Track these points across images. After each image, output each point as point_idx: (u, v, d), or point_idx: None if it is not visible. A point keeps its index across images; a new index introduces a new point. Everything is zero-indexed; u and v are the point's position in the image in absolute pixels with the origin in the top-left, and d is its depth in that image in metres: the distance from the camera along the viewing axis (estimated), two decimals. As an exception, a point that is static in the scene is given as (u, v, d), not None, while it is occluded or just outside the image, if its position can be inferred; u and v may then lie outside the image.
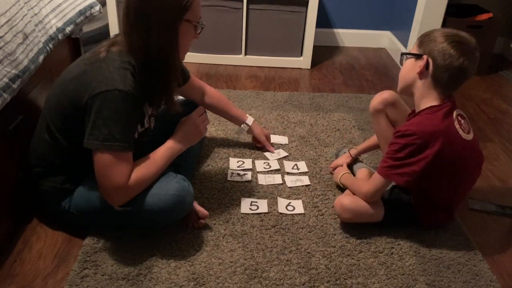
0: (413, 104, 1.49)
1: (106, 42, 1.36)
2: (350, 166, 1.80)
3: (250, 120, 1.92)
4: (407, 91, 1.49)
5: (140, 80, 1.29)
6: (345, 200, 1.52)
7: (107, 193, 1.30)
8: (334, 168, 1.80)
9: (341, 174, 1.70)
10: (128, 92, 1.24)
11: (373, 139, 1.79)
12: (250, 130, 1.93)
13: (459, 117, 1.44)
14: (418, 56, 1.42)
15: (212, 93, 1.85)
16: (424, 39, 1.42)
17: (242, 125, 1.91)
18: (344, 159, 1.82)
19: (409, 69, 1.45)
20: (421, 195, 1.51)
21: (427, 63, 1.39)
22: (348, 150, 1.85)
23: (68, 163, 1.39)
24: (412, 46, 2.86)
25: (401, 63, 1.50)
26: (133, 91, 1.25)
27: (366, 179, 1.63)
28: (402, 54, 1.49)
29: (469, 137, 1.45)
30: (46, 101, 1.41)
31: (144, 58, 1.30)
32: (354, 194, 1.54)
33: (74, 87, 1.29)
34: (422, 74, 1.41)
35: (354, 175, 1.75)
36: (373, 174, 1.49)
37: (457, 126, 1.42)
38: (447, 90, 1.41)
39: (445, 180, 1.45)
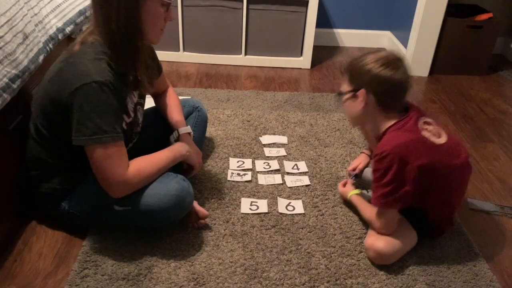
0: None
1: (80, 33, 1.34)
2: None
3: (183, 129, 1.58)
4: (360, 125, 1.51)
5: (115, 66, 1.28)
6: (379, 244, 1.39)
7: (107, 185, 1.29)
8: (353, 170, 1.73)
9: (350, 194, 1.61)
10: (105, 82, 1.22)
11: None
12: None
13: (425, 125, 1.40)
14: (353, 93, 1.38)
15: (171, 95, 1.69)
16: (352, 73, 1.40)
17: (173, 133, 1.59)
18: (363, 159, 1.75)
19: (352, 109, 1.42)
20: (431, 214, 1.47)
21: (366, 95, 1.36)
22: (361, 152, 1.80)
23: (63, 163, 1.39)
24: (412, 46, 2.88)
25: (341, 104, 1.46)
26: (111, 80, 1.24)
27: None
28: (338, 95, 1.44)
29: (442, 140, 1.40)
30: (33, 105, 1.41)
31: (112, 42, 1.28)
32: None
33: (54, 88, 1.29)
34: (366, 107, 1.38)
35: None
36: (373, 209, 1.43)
37: (427, 134, 1.38)
38: (396, 106, 1.39)
39: (439, 189, 1.41)
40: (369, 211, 1.48)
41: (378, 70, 1.33)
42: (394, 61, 1.35)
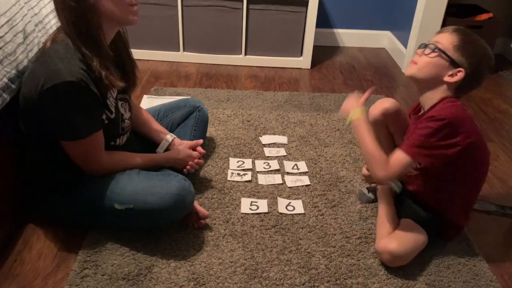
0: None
1: (52, 32, 1.33)
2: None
3: (170, 136, 1.64)
4: (421, 84, 1.40)
5: (87, 62, 1.25)
6: (392, 245, 1.37)
7: (82, 167, 1.38)
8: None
9: (354, 113, 1.44)
10: (75, 82, 1.20)
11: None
12: (171, 146, 1.64)
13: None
14: (454, 64, 1.33)
15: (141, 109, 1.70)
16: (465, 45, 1.33)
17: (163, 140, 1.63)
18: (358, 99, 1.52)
19: (437, 69, 1.35)
20: (443, 204, 1.47)
21: (461, 75, 1.33)
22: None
23: (57, 164, 1.39)
24: (412, 46, 2.86)
25: (426, 51, 1.36)
26: (83, 77, 1.22)
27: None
28: (436, 47, 1.34)
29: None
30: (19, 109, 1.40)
31: (76, 35, 1.24)
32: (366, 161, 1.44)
33: (27, 89, 1.29)
34: (451, 82, 1.35)
35: None
36: (395, 154, 1.35)
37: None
38: (463, 95, 1.43)
39: (471, 174, 1.43)
40: (371, 145, 1.38)
41: (484, 65, 1.35)
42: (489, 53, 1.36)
